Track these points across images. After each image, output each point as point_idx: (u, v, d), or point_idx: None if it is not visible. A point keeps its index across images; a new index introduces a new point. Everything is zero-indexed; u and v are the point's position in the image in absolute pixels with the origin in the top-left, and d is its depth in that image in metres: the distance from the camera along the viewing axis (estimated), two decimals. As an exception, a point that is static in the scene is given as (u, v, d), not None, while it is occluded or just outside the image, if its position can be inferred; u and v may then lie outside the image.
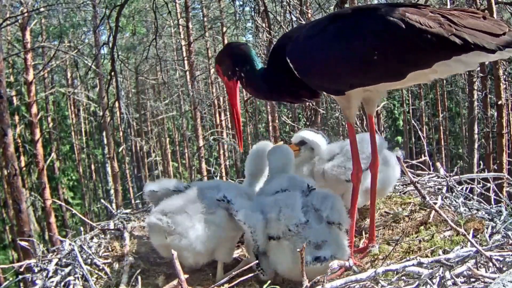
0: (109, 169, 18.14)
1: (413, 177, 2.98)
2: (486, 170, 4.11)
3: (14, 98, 17.62)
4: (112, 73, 7.60)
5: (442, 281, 1.81)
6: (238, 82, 2.50)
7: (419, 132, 5.53)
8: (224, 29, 17.70)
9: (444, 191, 3.05)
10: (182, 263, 2.08)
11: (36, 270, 2.66)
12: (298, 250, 1.89)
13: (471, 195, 3.02)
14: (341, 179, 2.77)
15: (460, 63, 1.99)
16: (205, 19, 17.79)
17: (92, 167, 25.73)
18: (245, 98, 7.76)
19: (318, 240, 2.13)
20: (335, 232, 2.22)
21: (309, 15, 7.14)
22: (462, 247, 2.12)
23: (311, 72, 2.23)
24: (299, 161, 2.93)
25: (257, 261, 2.21)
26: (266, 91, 2.47)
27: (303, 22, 6.01)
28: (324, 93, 2.49)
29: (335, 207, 2.24)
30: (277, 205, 2.21)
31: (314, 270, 2.05)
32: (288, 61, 2.23)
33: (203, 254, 2.31)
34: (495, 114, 6.95)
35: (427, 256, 2.14)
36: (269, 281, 2.13)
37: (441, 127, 20.86)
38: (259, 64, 2.45)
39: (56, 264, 2.64)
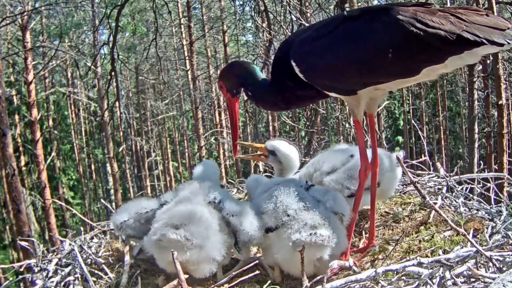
0: (109, 169, 18.14)
1: (413, 177, 2.97)
2: (486, 170, 4.11)
3: (15, 98, 17.65)
4: (112, 73, 7.61)
5: (442, 281, 1.81)
6: (238, 99, 2.59)
7: (419, 132, 5.53)
8: (225, 28, 17.68)
9: (444, 191, 3.04)
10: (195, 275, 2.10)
11: (36, 270, 2.67)
12: (294, 241, 2.05)
13: (471, 195, 3.02)
14: None
15: (470, 56, 2.09)
16: (205, 17, 17.77)
17: (92, 166, 25.75)
18: (245, 98, 7.74)
19: (314, 223, 2.14)
20: (334, 219, 2.23)
21: (309, 15, 7.14)
22: (462, 247, 2.13)
23: (321, 74, 2.23)
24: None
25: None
26: (274, 103, 2.51)
27: (303, 22, 6.00)
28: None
29: (337, 199, 2.31)
30: (272, 195, 2.24)
31: (309, 252, 2.04)
32: (293, 64, 2.23)
33: (219, 262, 2.25)
34: (496, 113, 6.95)
35: (427, 256, 2.14)
36: (269, 281, 2.13)
37: (441, 127, 20.86)
38: (263, 79, 2.50)
39: (56, 264, 2.64)
